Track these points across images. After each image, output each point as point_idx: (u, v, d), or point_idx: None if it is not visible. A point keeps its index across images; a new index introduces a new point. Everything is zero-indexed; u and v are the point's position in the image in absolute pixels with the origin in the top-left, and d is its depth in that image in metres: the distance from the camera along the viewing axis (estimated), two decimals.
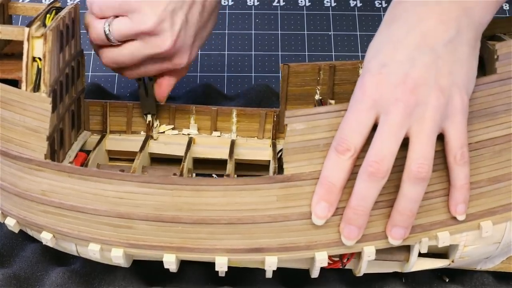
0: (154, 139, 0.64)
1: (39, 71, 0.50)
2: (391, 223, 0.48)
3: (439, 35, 0.47)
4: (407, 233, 0.48)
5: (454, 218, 0.49)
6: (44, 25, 0.52)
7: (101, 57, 0.59)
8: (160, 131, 0.65)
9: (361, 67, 0.61)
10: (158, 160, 0.65)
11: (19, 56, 0.51)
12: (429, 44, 0.46)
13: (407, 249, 0.51)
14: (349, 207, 0.47)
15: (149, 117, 0.64)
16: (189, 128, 0.65)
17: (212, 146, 0.64)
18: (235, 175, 0.64)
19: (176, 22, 0.55)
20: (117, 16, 0.56)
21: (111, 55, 0.58)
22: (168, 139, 0.65)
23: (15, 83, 0.51)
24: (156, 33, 0.55)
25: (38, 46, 0.50)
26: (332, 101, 0.56)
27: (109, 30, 0.56)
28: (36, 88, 0.50)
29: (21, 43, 0.50)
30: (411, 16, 0.48)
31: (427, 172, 0.45)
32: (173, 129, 0.65)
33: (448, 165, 0.48)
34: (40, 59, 0.50)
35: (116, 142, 0.64)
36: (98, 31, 0.56)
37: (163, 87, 0.62)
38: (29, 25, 0.50)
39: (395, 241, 0.48)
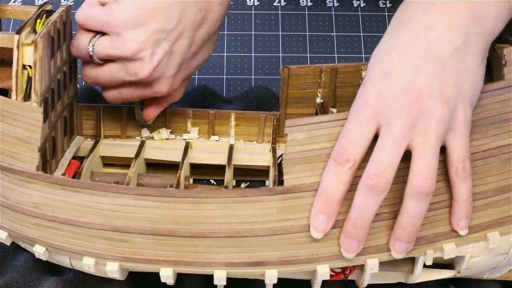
0: (152, 138, 0.63)
1: (29, 79, 0.49)
2: (394, 237, 0.47)
3: (446, 43, 0.45)
4: (411, 247, 0.47)
5: None
6: (35, 31, 0.50)
7: (83, 74, 0.58)
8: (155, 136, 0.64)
9: (364, 69, 0.60)
10: (154, 165, 0.63)
11: (9, 62, 0.50)
12: (435, 52, 0.45)
13: (411, 260, 0.50)
14: (348, 220, 0.46)
15: (144, 131, 0.63)
16: (186, 132, 0.64)
17: (210, 151, 0.63)
18: (234, 180, 0.63)
19: (157, 52, 0.54)
20: (103, 34, 0.54)
21: (93, 73, 0.57)
22: (165, 144, 0.63)
23: (5, 91, 0.50)
24: (135, 60, 0.54)
25: (28, 53, 0.49)
26: (334, 110, 0.55)
27: (93, 47, 0.54)
28: (27, 97, 0.49)
29: (10, 49, 0.49)
30: (418, 23, 0.46)
31: (431, 187, 0.44)
32: (170, 133, 0.64)
33: (450, 179, 0.47)
34: (30, 67, 0.49)
35: (110, 147, 0.63)
36: (82, 46, 0.55)
37: (151, 110, 0.61)
38: (18, 31, 0.49)
39: (398, 255, 0.47)
